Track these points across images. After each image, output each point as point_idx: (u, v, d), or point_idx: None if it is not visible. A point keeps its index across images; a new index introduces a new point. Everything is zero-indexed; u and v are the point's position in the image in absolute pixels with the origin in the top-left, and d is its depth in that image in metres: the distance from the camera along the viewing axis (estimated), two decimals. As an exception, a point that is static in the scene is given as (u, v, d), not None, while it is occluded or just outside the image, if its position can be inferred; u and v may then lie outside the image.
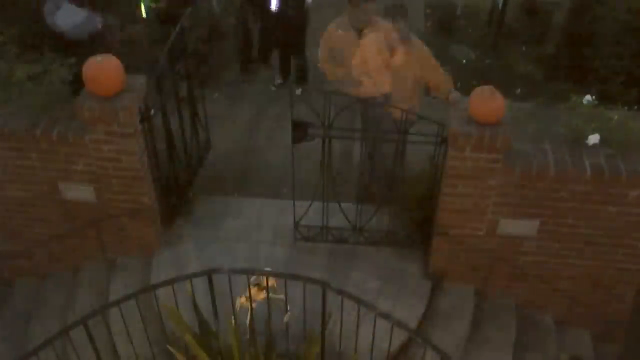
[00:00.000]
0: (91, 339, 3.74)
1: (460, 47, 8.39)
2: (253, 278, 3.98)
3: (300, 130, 4.84)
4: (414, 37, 5.36)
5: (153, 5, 7.00)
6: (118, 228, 5.29)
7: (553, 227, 4.88)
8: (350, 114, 5.46)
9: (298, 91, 7.50)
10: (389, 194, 5.42)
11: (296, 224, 5.35)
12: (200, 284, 3.87)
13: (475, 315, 5.21)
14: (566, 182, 4.60)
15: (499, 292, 5.33)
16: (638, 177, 4.52)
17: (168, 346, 4.19)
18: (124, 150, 4.79)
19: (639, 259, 5.01)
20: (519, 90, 7.66)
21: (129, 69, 4.71)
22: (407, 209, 5.26)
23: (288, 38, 7.35)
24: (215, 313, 3.99)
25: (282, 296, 4.02)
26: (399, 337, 4.64)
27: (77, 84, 4.80)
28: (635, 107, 5.79)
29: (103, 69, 4.53)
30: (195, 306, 4.13)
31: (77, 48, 6.14)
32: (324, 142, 4.79)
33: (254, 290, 4.02)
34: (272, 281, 3.95)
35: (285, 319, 4.09)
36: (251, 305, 3.99)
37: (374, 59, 5.34)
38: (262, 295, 4.00)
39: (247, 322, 4.04)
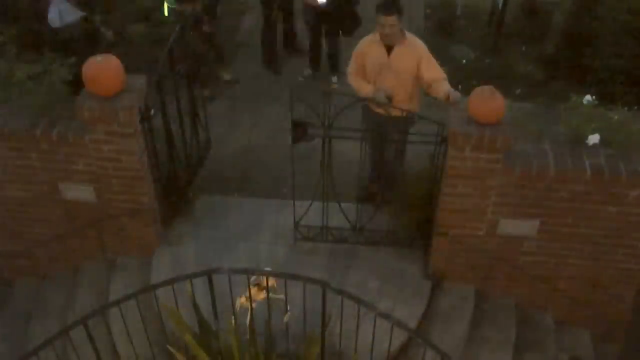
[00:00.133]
0: (91, 339, 3.73)
1: (460, 47, 8.38)
2: (253, 278, 3.97)
3: (300, 130, 4.84)
4: (409, 34, 5.30)
5: (173, 6, 7.00)
6: (118, 228, 5.29)
7: (553, 227, 4.88)
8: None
9: (334, 79, 7.58)
10: (390, 193, 5.43)
11: (296, 224, 5.35)
12: (200, 284, 3.87)
13: (475, 315, 5.21)
14: (566, 182, 4.60)
15: (499, 292, 5.33)
16: (638, 177, 4.52)
17: (168, 346, 4.19)
18: (124, 150, 4.79)
19: (639, 259, 5.01)
20: (519, 90, 7.65)
21: (129, 69, 4.72)
22: (407, 209, 5.26)
23: (331, 27, 7.33)
24: (215, 313, 3.99)
25: (282, 296, 4.01)
26: (399, 337, 4.64)
27: (77, 84, 4.80)
28: (635, 107, 5.80)
29: (103, 69, 4.53)
30: (195, 306, 4.13)
31: (77, 48, 6.16)
32: (324, 142, 4.79)
33: (254, 290, 4.01)
34: (272, 281, 3.94)
35: (285, 319, 4.08)
36: (251, 305, 3.98)
37: (405, 80, 5.22)
38: (262, 295, 3.99)
39: (247, 322, 4.03)
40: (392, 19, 5.01)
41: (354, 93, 5.37)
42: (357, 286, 5.01)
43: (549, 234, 4.92)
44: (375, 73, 5.27)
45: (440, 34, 8.59)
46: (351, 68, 5.46)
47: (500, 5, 8.10)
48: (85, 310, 4.30)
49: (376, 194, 5.58)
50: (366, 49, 5.31)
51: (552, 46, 8.20)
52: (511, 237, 4.97)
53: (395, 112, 4.90)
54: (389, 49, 5.20)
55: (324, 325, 3.99)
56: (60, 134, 4.80)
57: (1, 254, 5.74)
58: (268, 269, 4.08)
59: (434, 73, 5.17)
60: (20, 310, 5.71)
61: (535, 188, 4.65)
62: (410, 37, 5.25)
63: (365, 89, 5.27)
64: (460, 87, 6.84)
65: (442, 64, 5.47)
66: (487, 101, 4.40)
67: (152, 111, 5.00)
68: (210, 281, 3.76)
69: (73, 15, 6.47)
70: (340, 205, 5.17)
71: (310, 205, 5.16)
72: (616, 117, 4.80)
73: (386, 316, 3.57)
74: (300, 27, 8.00)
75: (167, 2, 7.08)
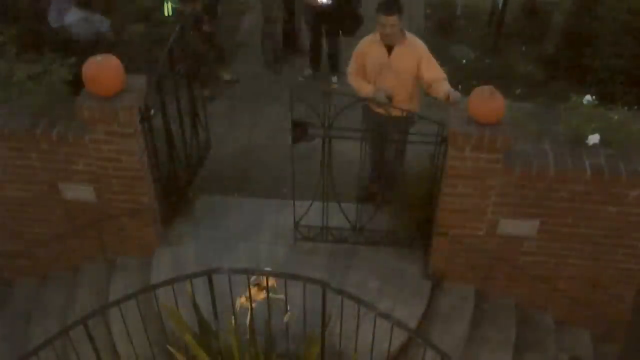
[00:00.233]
0: (91, 339, 3.73)
1: (460, 47, 8.38)
2: (253, 278, 3.97)
3: (300, 130, 4.83)
4: (409, 34, 5.30)
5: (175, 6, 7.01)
6: (118, 228, 5.29)
7: (553, 227, 4.88)
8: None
9: (334, 79, 7.58)
10: (390, 193, 5.42)
11: (296, 224, 5.35)
12: (200, 284, 3.87)
13: (475, 315, 5.21)
14: (566, 182, 4.60)
15: (499, 292, 5.33)
16: (638, 177, 4.52)
17: (168, 346, 4.19)
18: (124, 150, 4.79)
19: (639, 259, 5.01)
20: (519, 90, 7.66)
21: (129, 69, 4.72)
22: (407, 209, 5.26)
23: (331, 27, 7.34)
24: (215, 313, 3.98)
25: (282, 296, 4.01)
26: (399, 337, 4.64)
27: (77, 84, 4.80)
28: (635, 107, 5.79)
29: (103, 69, 4.53)
30: (195, 306, 4.13)
31: (77, 48, 6.15)
32: (324, 142, 4.79)
33: (254, 290, 4.00)
34: (272, 281, 3.94)
35: (285, 319, 4.08)
36: (251, 305, 3.98)
37: (405, 80, 5.22)
38: (262, 295, 3.99)
39: (247, 322, 4.03)
40: (392, 19, 5.01)
41: (354, 93, 5.37)
42: (357, 286, 5.01)
43: (549, 234, 4.92)
44: (375, 73, 5.27)
45: (440, 34, 8.59)
46: (351, 68, 5.46)
47: (500, 5, 8.10)
48: (85, 310, 4.30)
49: (376, 194, 5.58)
50: (366, 49, 5.31)
51: (552, 46, 8.21)
52: (511, 237, 4.97)
53: (395, 112, 4.90)
54: (389, 49, 5.20)
55: (324, 325, 3.99)
56: (60, 134, 4.80)
57: (1, 254, 5.74)
58: (268, 269, 4.08)
59: (434, 73, 5.16)
60: (20, 310, 5.71)
61: (535, 188, 4.65)
62: (411, 37, 5.25)
63: (365, 89, 5.27)
64: (460, 87, 6.84)
65: (442, 64, 5.46)
66: (487, 101, 4.40)
67: (152, 111, 5.00)
68: (210, 281, 3.76)
69: (73, 15, 6.47)
70: (340, 205, 5.17)
71: (311, 205, 5.16)
72: (616, 117, 4.79)
73: (386, 316, 3.57)
74: (301, 27, 8.02)
75: (171, 1, 7.09)
